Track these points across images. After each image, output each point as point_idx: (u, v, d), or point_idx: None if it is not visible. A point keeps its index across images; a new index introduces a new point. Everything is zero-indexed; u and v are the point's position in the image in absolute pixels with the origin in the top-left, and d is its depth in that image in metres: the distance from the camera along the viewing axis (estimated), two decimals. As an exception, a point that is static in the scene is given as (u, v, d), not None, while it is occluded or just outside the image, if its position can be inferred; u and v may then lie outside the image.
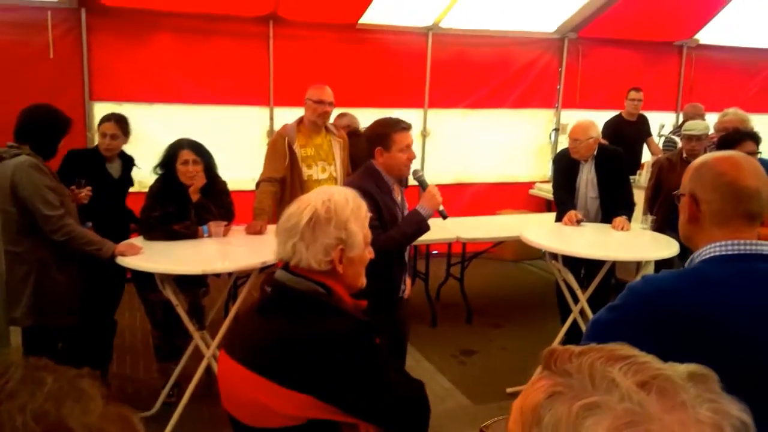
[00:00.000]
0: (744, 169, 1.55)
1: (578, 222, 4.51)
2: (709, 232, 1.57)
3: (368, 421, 1.63)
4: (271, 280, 1.71)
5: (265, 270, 3.70)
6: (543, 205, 7.21)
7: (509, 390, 4.04)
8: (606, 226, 4.50)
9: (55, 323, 3.45)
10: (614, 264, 4.43)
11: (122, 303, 4.18)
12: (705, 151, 4.64)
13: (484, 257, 5.88)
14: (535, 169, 7.59)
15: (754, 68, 8.06)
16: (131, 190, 4.31)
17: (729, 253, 1.53)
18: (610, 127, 6.44)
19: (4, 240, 3.23)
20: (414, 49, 6.73)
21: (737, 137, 3.88)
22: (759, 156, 4.06)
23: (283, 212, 1.73)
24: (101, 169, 4.00)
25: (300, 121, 4.40)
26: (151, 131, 5.82)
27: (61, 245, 3.36)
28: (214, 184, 3.98)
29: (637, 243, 4.35)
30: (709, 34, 7.60)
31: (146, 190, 3.98)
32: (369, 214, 1.77)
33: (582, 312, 4.23)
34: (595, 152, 4.55)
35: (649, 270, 4.72)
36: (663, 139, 6.64)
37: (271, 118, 6.30)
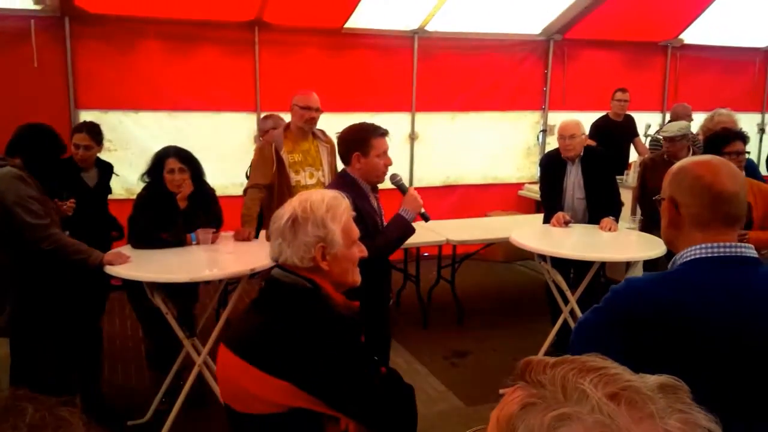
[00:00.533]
0: (722, 173, 1.57)
1: (566, 223, 4.53)
2: (689, 235, 1.59)
3: (345, 414, 1.67)
4: (267, 276, 1.84)
5: (255, 276, 3.69)
6: (532, 206, 7.24)
7: (502, 391, 4.02)
8: (594, 227, 4.53)
9: (39, 332, 3.43)
10: (604, 263, 4.45)
11: (112, 311, 4.17)
12: (690, 152, 4.68)
13: (474, 259, 5.89)
14: (524, 170, 7.62)
15: (739, 67, 8.13)
16: (119, 197, 4.28)
17: (709, 255, 1.55)
18: (598, 128, 6.49)
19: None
20: (400, 52, 6.75)
21: (727, 137, 3.89)
22: (748, 156, 4.08)
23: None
24: (76, 178, 3.96)
25: (287, 127, 4.40)
26: (137, 138, 5.82)
27: (46, 256, 3.33)
28: (202, 191, 3.96)
29: (624, 243, 4.38)
30: (693, 34, 7.66)
31: (133, 197, 3.96)
32: (351, 213, 1.84)
33: (572, 312, 4.25)
34: (582, 153, 4.58)
35: (638, 268, 4.76)
36: (649, 139, 6.68)
37: (258, 124, 6.29)
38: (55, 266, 3.41)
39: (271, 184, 4.26)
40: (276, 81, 6.12)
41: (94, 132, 4.01)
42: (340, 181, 3.10)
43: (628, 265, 4.83)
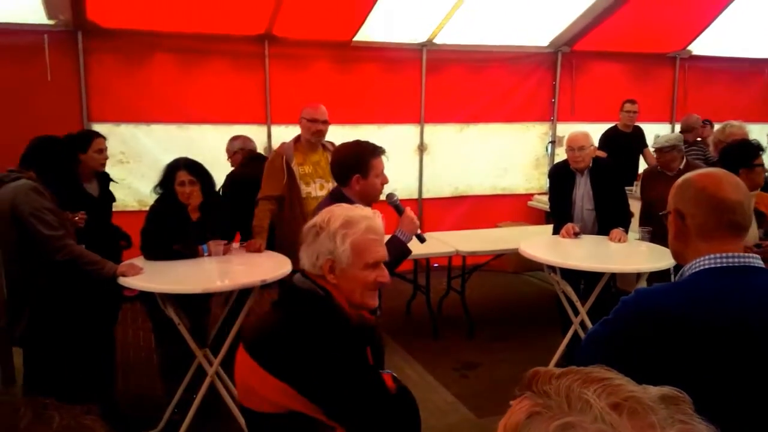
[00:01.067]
0: (724, 182, 1.61)
1: (575, 234, 4.53)
2: (696, 245, 1.61)
3: (339, 423, 1.68)
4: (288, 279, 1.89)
5: (267, 287, 3.71)
6: (542, 217, 7.24)
7: (511, 403, 4.02)
8: (603, 238, 4.53)
9: (53, 343, 3.46)
10: (614, 275, 4.45)
11: (125, 321, 4.18)
12: (683, 162, 4.74)
13: (484, 270, 5.89)
14: (533, 181, 7.63)
15: (747, 78, 8.12)
16: (131, 209, 4.32)
17: (718, 266, 1.56)
18: (607, 139, 6.50)
19: (4, 263, 3.26)
20: (409, 65, 6.79)
21: (755, 149, 3.85)
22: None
23: None
24: (79, 190, 3.97)
25: (297, 139, 4.43)
26: (149, 150, 5.87)
27: (60, 268, 3.37)
28: (213, 203, 4.00)
29: (633, 254, 4.38)
30: (701, 45, 7.67)
31: (146, 209, 3.99)
32: (374, 236, 1.82)
33: (582, 324, 4.24)
34: (591, 165, 4.59)
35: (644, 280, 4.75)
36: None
37: (269, 136, 6.34)
38: (69, 277, 3.45)
39: (281, 195, 4.29)
40: (286, 94, 6.18)
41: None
42: (333, 201, 2.96)
43: (638, 276, 4.82)
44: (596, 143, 5.20)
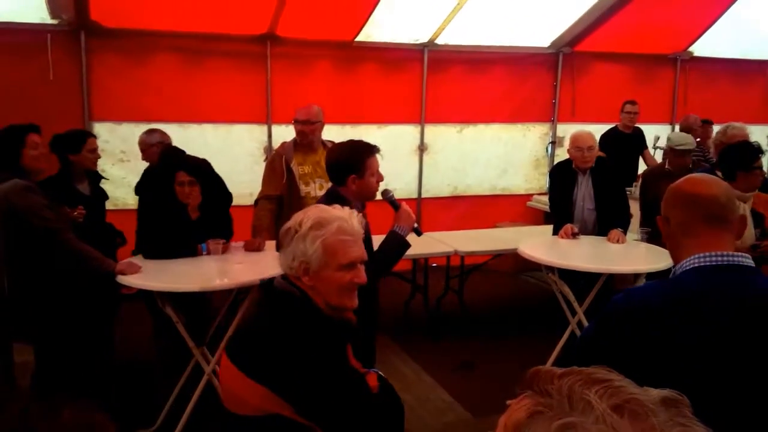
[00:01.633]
0: (699, 182, 1.69)
1: (574, 235, 4.55)
2: (683, 245, 1.65)
3: (317, 424, 1.67)
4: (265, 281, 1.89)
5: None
6: (541, 218, 7.25)
7: (509, 402, 4.03)
8: (602, 239, 4.54)
9: (60, 339, 3.49)
10: (613, 276, 4.45)
11: (122, 318, 4.20)
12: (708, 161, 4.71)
13: (483, 270, 5.90)
14: (533, 181, 7.64)
15: (748, 79, 8.11)
16: (131, 207, 4.35)
17: (705, 264, 1.58)
18: (607, 140, 6.50)
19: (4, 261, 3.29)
20: (410, 65, 6.80)
21: (756, 152, 3.86)
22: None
23: None
24: (71, 189, 3.98)
25: (296, 139, 4.45)
26: (150, 150, 5.88)
27: (58, 264, 3.39)
28: (213, 202, 4.02)
29: (632, 255, 4.40)
30: (702, 47, 7.66)
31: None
32: (347, 236, 1.81)
33: (580, 324, 4.26)
34: (593, 165, 4.60)
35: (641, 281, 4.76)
36: (659, 151, 6.68)
37: (269, 136, 6.35)
38: (66, 275, 3.48)
39: (281, 195, 4.31)
40: (287, 93, 6.19)
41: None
42: (329, 200, 2.99)
43: (637, 276, 4.83)
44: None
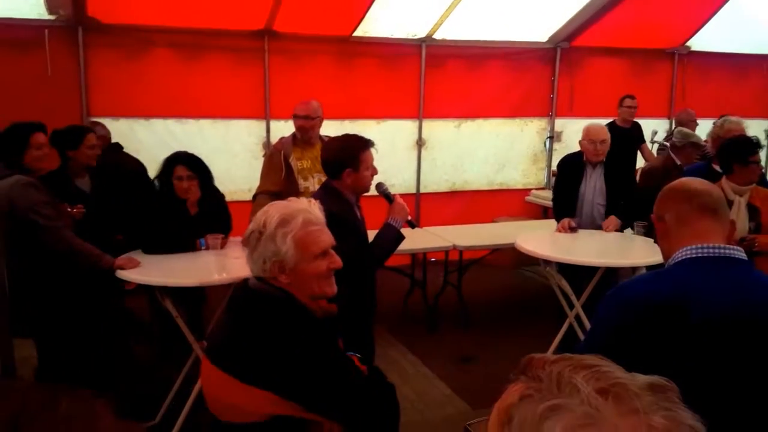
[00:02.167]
0: (694, 180, 1.77)
1: (572, 229, 4.56)
2: (677, 237, 1.69)
3: (327, 417, 1.69)
4: (239, 284, 1.86)
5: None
6: (539, 212, 7.26)
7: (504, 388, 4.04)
8: (599, 232, 4.55)
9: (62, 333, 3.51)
10: (613, 269, 4.46)
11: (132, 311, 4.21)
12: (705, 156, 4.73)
13: (481, 264, 5.92)
14: (531, 176, 7.65)
15: (746, 74, 8.13)
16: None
17: (696, 255, 1.60)
18: (605, 134, 6.51)
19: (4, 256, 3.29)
20: (408, 60, 6.80)
21: (754, 145, 3.88)
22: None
23: None
24: (71, 186, 3.97)
25: (295, 134, 4.45)
26: (148, 145, 5.89)
27: (59, 259, 3.41)
28: (212, 197, 4.03)
29: (629, 249, 4.41)
30: (700, 41, 7.67)
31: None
32: (314, 226, 1.81)
33: (578, 317, 4.28)
34: (604, 159, 4.60)
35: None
36: (656, 145, 6.70)
37: (268, 131, 6.36)
38: (67, 270, 3.49)
39: (280, 191, 4.31)
40: (285, 89, 6.19)
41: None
42: (329, 194, 3.05)
43: (635, 270, 4.85)
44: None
